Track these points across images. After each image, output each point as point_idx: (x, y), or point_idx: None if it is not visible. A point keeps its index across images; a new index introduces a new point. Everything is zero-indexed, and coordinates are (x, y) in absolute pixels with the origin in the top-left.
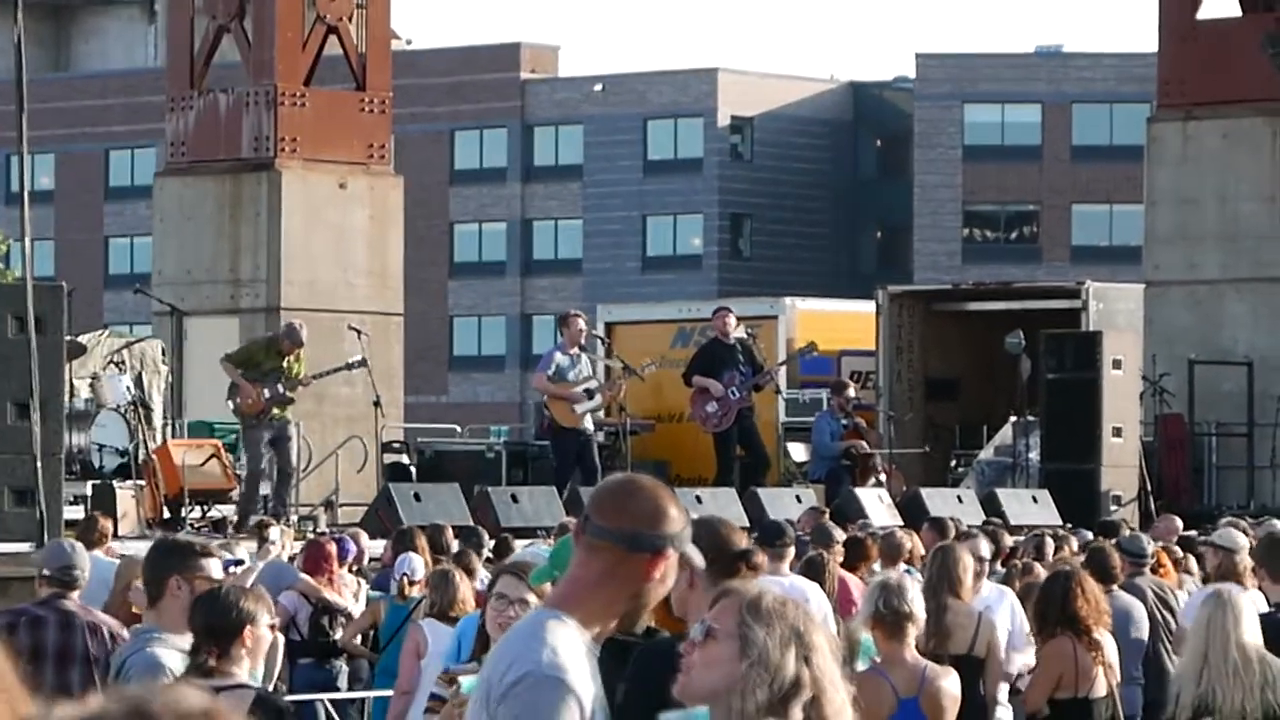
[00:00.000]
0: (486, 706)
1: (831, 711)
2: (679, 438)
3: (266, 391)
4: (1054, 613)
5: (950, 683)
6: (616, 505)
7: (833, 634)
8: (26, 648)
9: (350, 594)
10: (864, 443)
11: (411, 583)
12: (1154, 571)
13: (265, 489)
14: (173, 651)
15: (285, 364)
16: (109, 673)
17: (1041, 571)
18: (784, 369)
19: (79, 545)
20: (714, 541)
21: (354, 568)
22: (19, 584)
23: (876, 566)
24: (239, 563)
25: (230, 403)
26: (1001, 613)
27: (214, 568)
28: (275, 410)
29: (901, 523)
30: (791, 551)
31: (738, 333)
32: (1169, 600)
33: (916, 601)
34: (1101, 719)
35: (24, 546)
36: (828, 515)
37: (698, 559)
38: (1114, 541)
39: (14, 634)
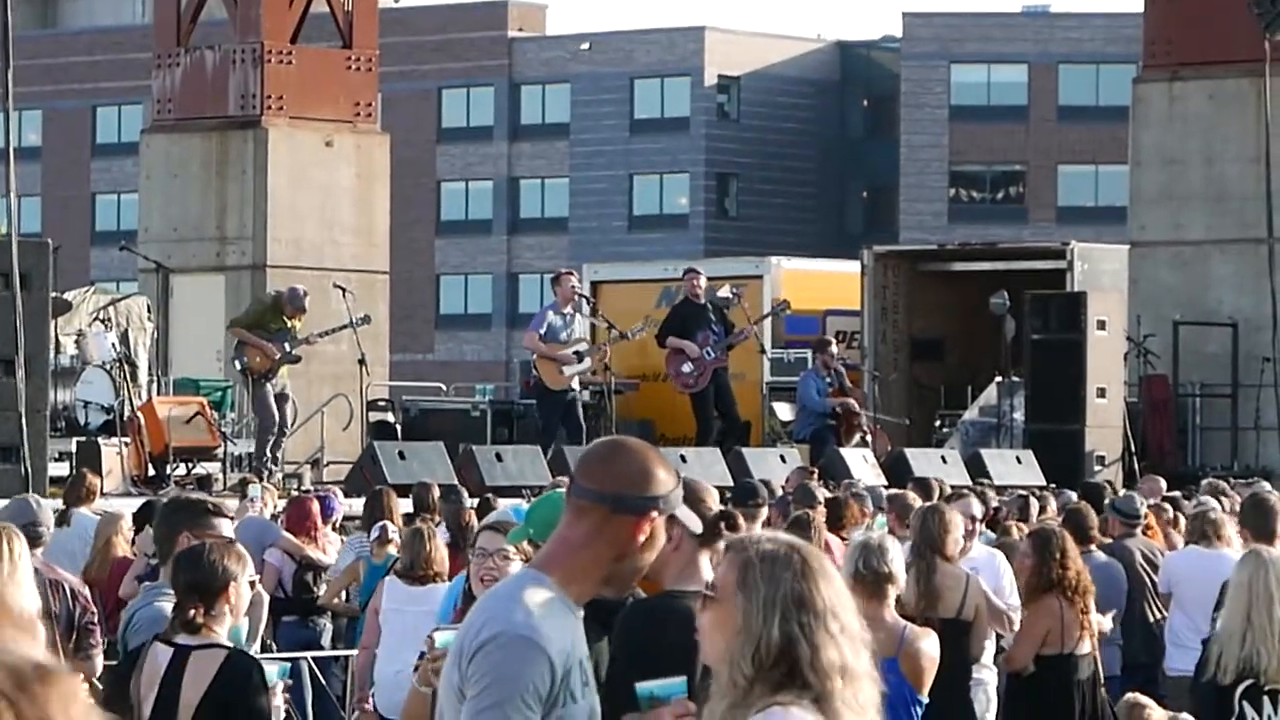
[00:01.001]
0: (459, 664)
1: (826, 663)
2: (663, 397)
3: (276, 351)
4: (1045, 573)
5: (929, 644)
6: (603, 467)
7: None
8: None
9: (335, 552)
10: (851, 401)
11: (384, 542)
12: (1143, 533)
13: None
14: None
15: (289, 325)
16: (71, 630)
17: (1017, 533)
18: (757, 327)
19: (43, 501)
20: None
21: (336, 526)
22: None
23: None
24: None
25: (237, 361)
26: (990, 573)
27: (224, 526)
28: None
29: (886, 483)
30: (764, 512)
31: (723, 292)
32: (1156, 561)
33: (896, 562)
34: (1084, 675)
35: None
36: (816, 475)
37: (691, 522)
38: (1108, 501)
39: None
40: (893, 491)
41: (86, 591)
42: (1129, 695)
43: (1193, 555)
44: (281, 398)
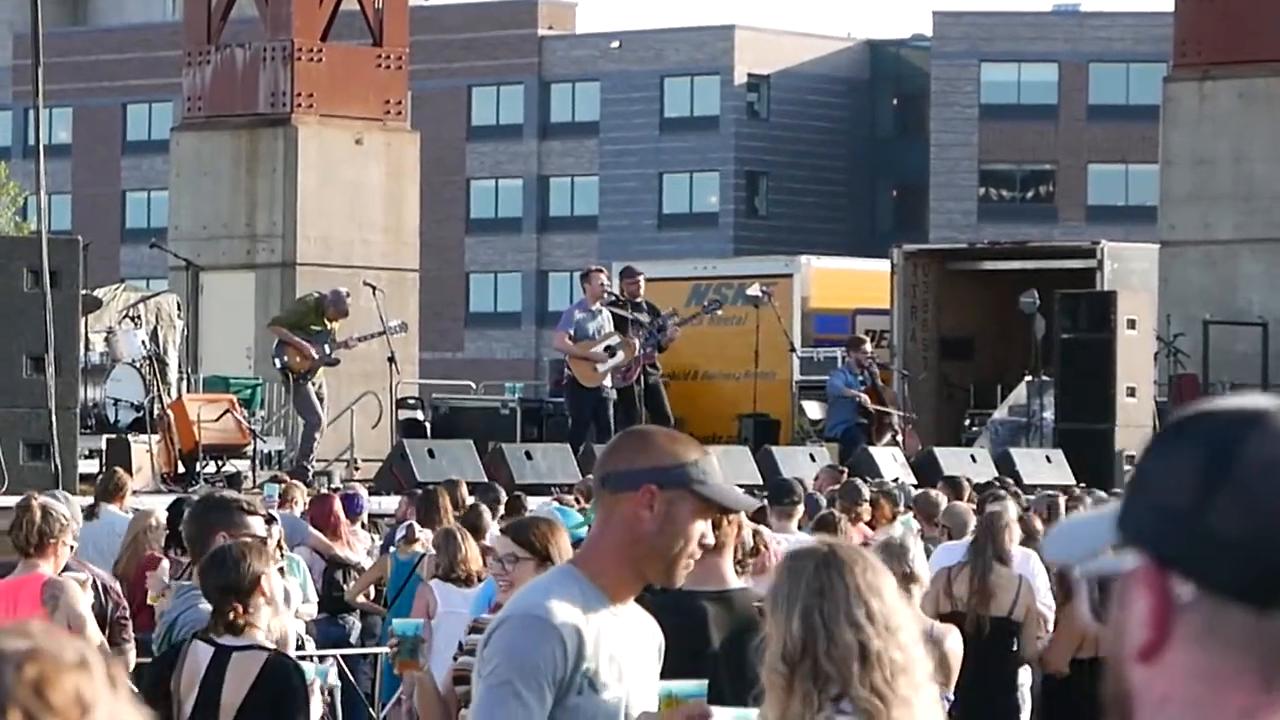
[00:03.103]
0: (480, 650)
1: (843, 649)
2: (694, 395)
3: (315, 353)
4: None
5: (954, 641)
6: (605, 454)
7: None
8: None
9: (364, 550)
10: (864, 397)
11: (410, 541)
12: None
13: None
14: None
15: (329, 328)
16: (104, 624)
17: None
18: (699, 318)
19: (72, 498)
20: None
21: (364, 523)
22: None
23: (900, 522)
24: (272, 520)
25: (277, 360)
26: (1027, 574)
27: (257, 525)
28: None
29: (916, 482)
30: (800, 510)
31: (752, 290)
32: None
33: (919, 561)
34: None
35: None
36: (846, 474)
37: (728, 497)
38: None
39: None
40: (919, 491)
41: (118, 586)
42: None
43: None
44: (318, 397)
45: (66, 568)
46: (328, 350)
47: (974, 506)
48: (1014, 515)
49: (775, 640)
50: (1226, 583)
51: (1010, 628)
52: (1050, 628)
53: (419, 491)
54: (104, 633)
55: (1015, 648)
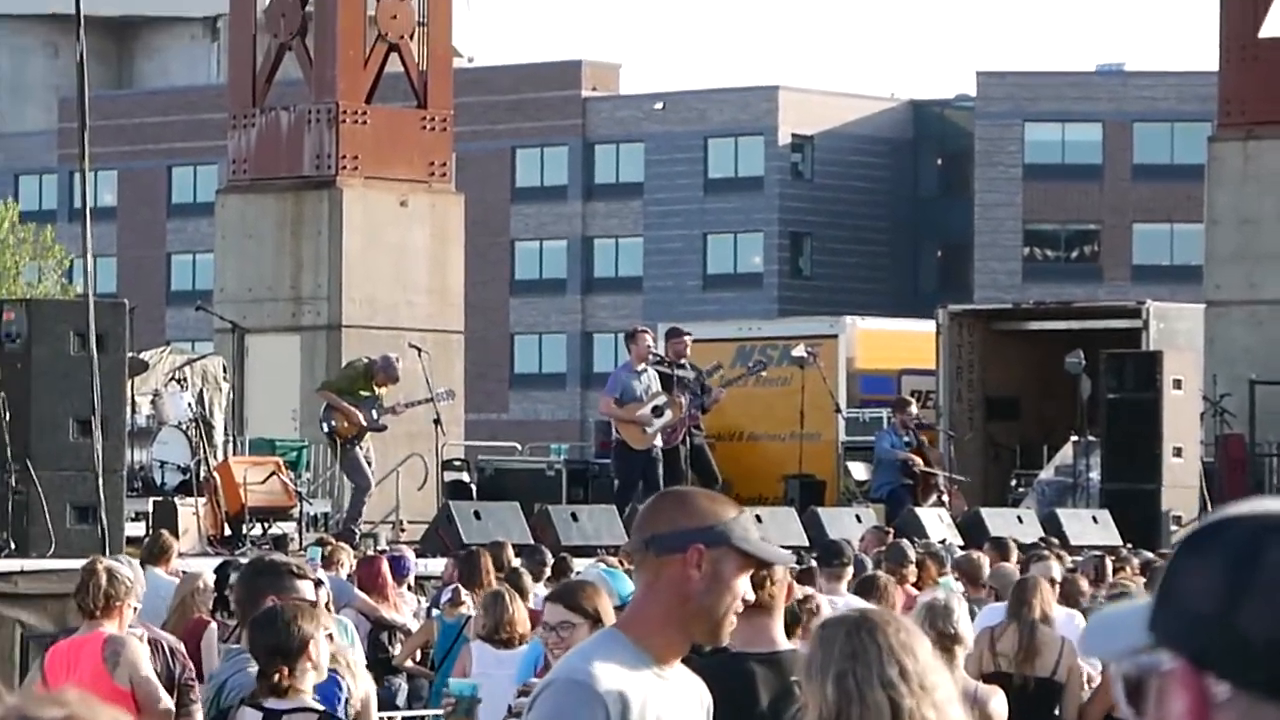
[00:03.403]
0: (526, 715)
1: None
2: (739, 456)
3: (363, 418)
4: None
5: (998, 703)
6: (645, 516)
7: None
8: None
9: (410, 612)
10: (916, 458)
11: (455, 604)
12: None
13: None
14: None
15: (377, 393)
16: (172, 688)
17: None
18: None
19: (134, 562)
20: None
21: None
22: None
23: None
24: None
25: (325, 424)
26: (1070, 634)
27: (307, 589)
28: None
29: (962, 542)
30: (850, 571)
31: (797, 351)
32: None
33: (963, 622)
34: None
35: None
36: (892, 535)
37: (767, 553)
38: None
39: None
40: (962, 553)
41: (184, 648)
42: None
43: None
44: (366, 461)
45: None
46: (375, 415)
47: (1019, 567)
48: (1057, 575)
49: (812, 708)
50: (1260, 682)
51: (1053, 688)
52: (1087, 685)
53: (463, 553)
54: (172, 695)
55: (1058, 709)
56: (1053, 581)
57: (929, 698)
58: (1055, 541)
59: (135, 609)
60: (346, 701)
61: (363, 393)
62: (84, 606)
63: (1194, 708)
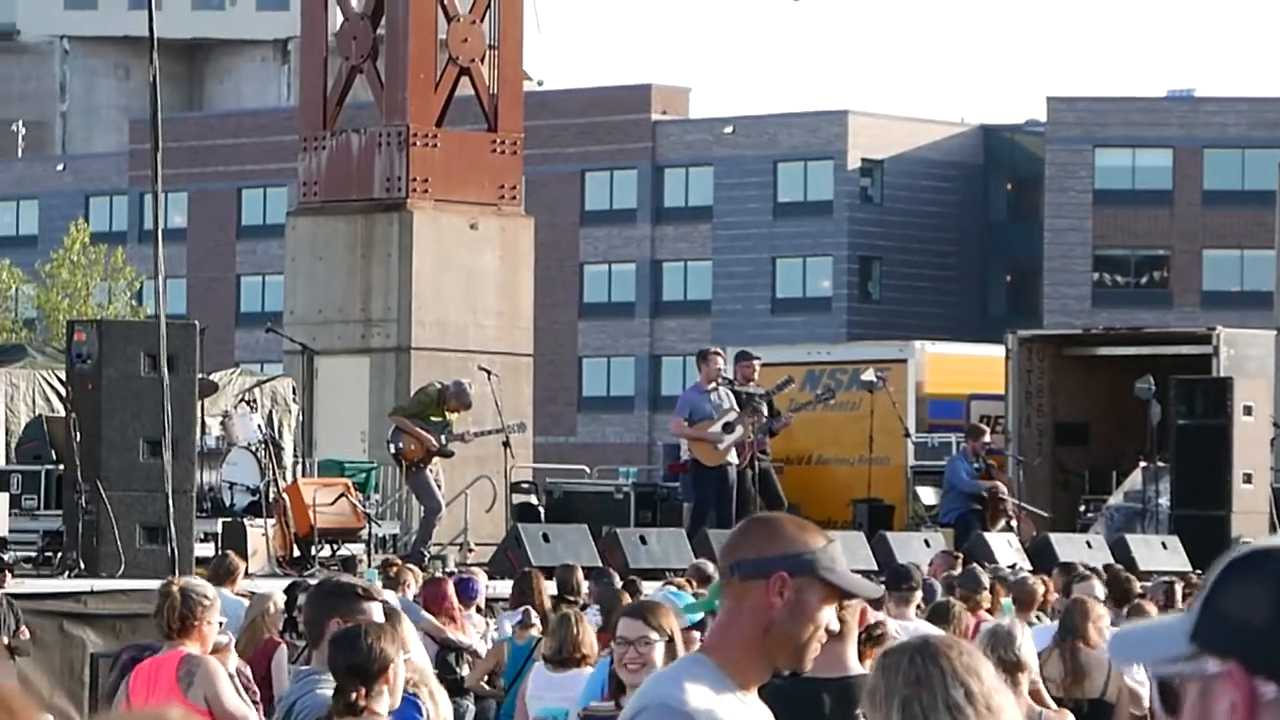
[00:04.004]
0: None
1: None
2: (808, 480)
3: (433, 443)
4: None
5: None
6: (731, 542)
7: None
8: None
9: (478, 634)
10: (1000, 485)
11: (526, 625)
12: None
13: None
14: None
15: (448, 419)
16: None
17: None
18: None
19: (209, 586)
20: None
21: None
22: (151, 620)
23: (1003, 608)
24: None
25: (393, 445)
26: None
27: (375, 610)
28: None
29: (1031, 568)
30: (918, 595)
31: (867, 376)
32: None
33: (1026, 649)
34: None
35: (155, 583)
36: (961, 560)
37: (852, 584)
38: None
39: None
40: (1019, 577)
41: (249, 671)
42: None
43: None
44: (436, 484)
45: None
46: (444, 441)
47: (1063, 590)
48: (1100, 594)
49: None
50: None
51: (1103, 710)
52: (1145, 705)
53: (518, 575)
54: None
55: None
56: (1096, 599)
57: (995, 719)
58: (1121, 566)
59: (221, 624)
60: None
61: (434, 418)
62: (161, 628)
63: (1245, 705)
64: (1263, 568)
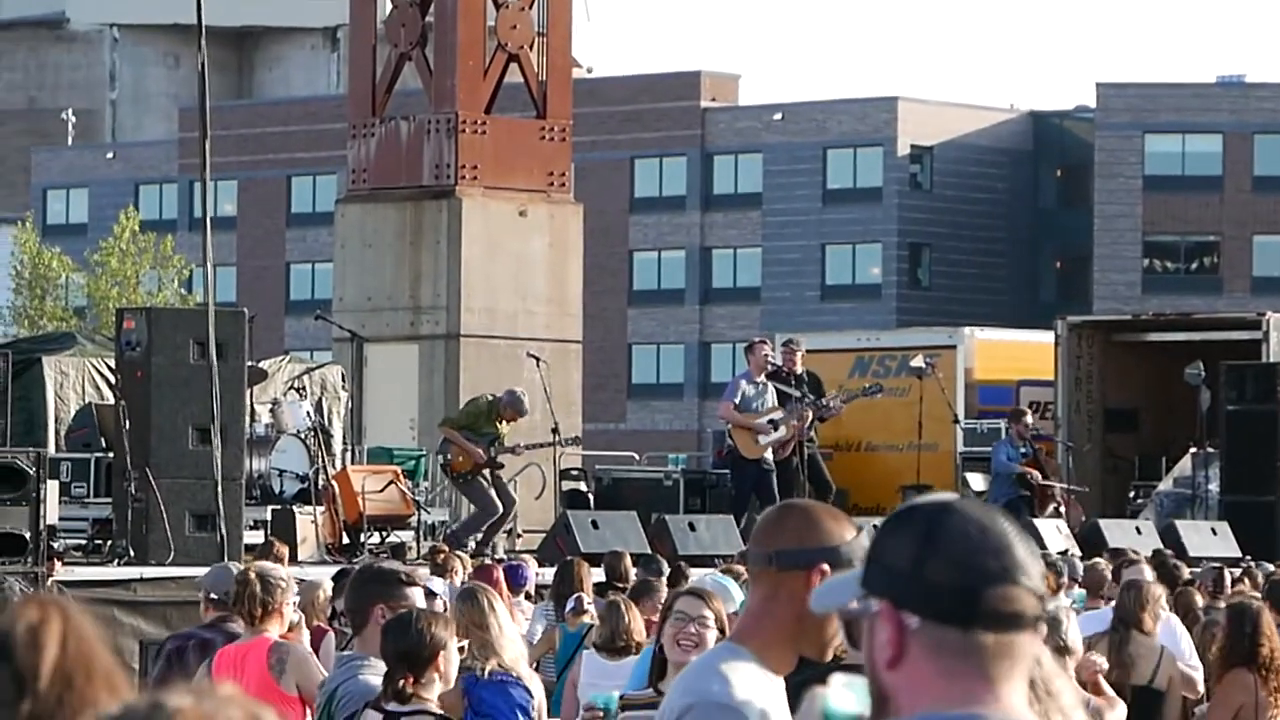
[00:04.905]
0: None
1: None
2: (857, 467)
3: (481, 455)
4: (1240, 648)
5: (1117, 715)
6: (767, 529)
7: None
8: (194, 670)
9: (525, 621)
10: (1037, 472)
11: (579, 612)
12: None
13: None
14: (382, 678)
15: (499, 430)
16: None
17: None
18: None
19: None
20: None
21: (529, 594)
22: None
23: (1071, 596)
24: (432, 595)
25: (441, 456)
26: (1167, 637)
27: (417, 596)
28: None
29: (1080, 554)
30: None
31: (916, 362)
32: None
33: (1072, 634)
34: None
35: (205, 570)
36: None
37: None
38: None
39: (182, 656)
40: (1089, 562)
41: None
42: None
43: None
44: (500, 489)
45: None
46: (493, 453)
47: (1111, 575)
48: (1149, 577)
49: None
50: (940, 614)
51: (1153, 697)
52: (1200, 689)
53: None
54: None
55: (1161, 717)
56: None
57: (1055, 703)
58: (1170, 553)
59: (294, 604)
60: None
61: (485, 429)
62: (244, 615)
63: (894, 635)
64: (908, 520)
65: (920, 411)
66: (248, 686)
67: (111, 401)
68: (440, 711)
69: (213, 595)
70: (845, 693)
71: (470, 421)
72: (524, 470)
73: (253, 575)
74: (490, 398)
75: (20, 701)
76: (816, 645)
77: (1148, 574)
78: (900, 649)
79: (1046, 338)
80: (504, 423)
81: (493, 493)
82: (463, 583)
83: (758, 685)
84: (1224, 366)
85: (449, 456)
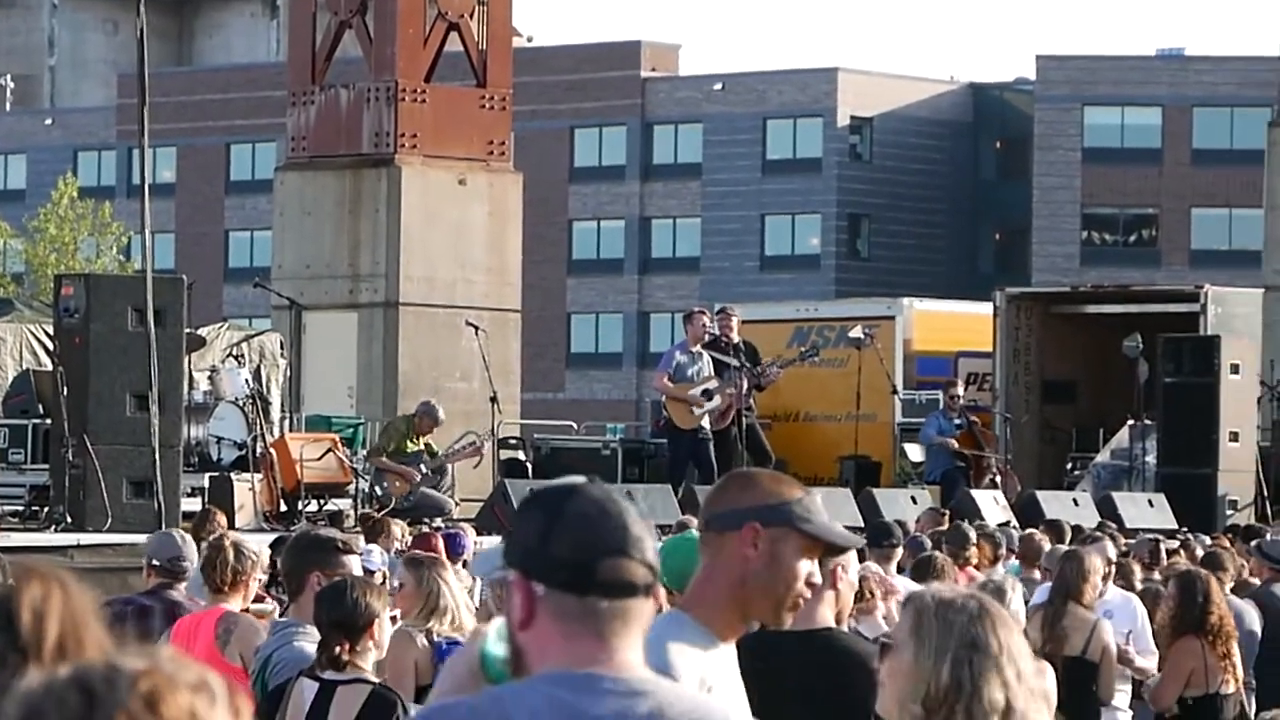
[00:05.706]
0: None
1: (987, 704)
2: (796, 437)
3: (416, 475)
4: (1190, 615)
5: (1047, 682)
6: (711, 495)
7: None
8: (132, 637)
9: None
10: (952, 442)
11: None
12: None
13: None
14: (316, 646)
15: (423, 445)
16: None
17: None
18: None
19: (188, 536)
20: None
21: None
22: (137, 574)
23: (1007, 567)
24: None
25: (379, 489)
26: (1126, 616)
27: (354, 564)
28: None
29: (1017, 524)
30: (899, 552)
31: (855, 333)
32: None
33: (1015, 603)
34: (1229, 716)
35: (142, 537)
36: (948, 516)
37: (830, 534)
38: (1254, 544)
39: (121, 623)
40: (1025, 533)
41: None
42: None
43: None
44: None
45: (179, 605)
46: (425, 469)
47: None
48: (1109, 555)
49: (915, 680)
50: (560, 583)
51: (1085, 667)
52: (1149, 667)
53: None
54: None
55: (1094, 688)
56: (1108, 561)
57: (1033, 701)
58: (1113, 526)
59: (260, 581)
60: None
61: (410, 447)
62: (211, 582)
63: (524, 601)
64: (537, 501)
65: (859, 382)
66: (195, 654)
67: (49, 368)
68: (376, 679)
69: (154, 561)
70: (501, 640)
71: (395, 444)
72: (463, 438)
73: (228, 543)
74: (404, 416)
75: (22, 671)
76: (767, 610)
77: (1110, 551)
78: (530, 613)
79: (985, 309)
80: (424, 437)
81: (439, 497)
82: (399, 551)
83: (701, 653)
84: (1162, 339)
85: (386, 485)
